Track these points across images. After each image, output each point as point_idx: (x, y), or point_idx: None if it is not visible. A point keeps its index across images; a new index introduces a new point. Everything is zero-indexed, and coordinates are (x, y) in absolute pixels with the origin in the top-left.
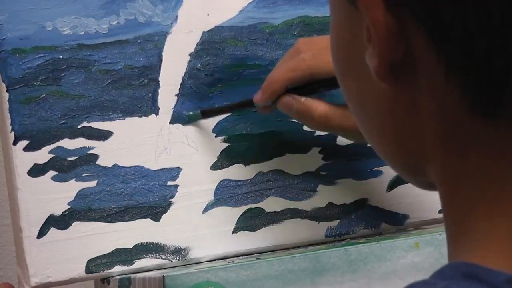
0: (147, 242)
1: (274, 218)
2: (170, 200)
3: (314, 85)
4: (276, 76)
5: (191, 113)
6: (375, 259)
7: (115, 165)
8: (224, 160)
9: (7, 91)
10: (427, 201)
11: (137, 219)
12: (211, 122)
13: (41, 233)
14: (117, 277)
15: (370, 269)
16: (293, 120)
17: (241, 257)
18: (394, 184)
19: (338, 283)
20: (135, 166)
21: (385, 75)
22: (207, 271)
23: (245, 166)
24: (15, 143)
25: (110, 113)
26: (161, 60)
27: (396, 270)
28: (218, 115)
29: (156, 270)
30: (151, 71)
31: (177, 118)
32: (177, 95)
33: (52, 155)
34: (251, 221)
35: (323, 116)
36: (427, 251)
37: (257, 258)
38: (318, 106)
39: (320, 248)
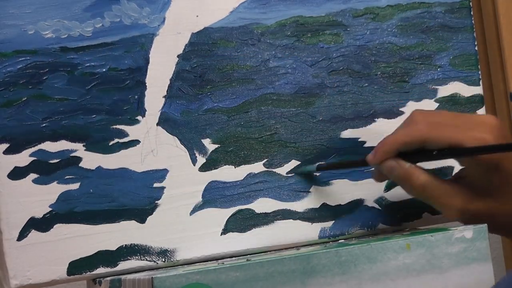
0: (131, 244)
1: (265, 219)
2: (156, 202)
3: (426, 152)
4: (389, 139)
5: (307, 167)
6: (366, 261)
7: (99, 168)
8: (213, 161)
9: None
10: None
11: (121, 221)
12: (199, 124)
13: (22, 235)
14: (108, 279)
15: (361, 270)
16: (286, 121)
17: (230, 258)
18: (392, 184)
19: (328, 285)
20: (120, 168)
21: None
22: (196, 273)
23: (235, 167)
24: None
25: (94, 116)
26: (147, 62)
27: (387, 272)
28: (332, 169)
29: (146, 271)
30: (138, 73)
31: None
32: (164, 97)
33: (33, 158)
34: (241, 222)
35: (421, 186)
36: (419, 253)
37: (247, 260)
38: (419, 175)
39: (311, 249)
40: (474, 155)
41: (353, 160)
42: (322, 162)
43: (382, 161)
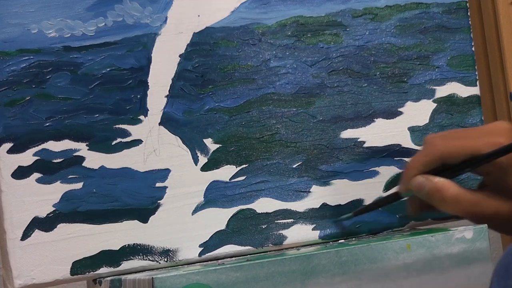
0: (134, 244)
1: (266, 219)
2: (159, 201)
3: (448, 168)
4: (410, 163)
5: (343, 216)
6: (366, 261)
7: (102, 167)
8: (215, 161)
9: None
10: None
11: (124, 220)
12: (201, 123)
13: (25, 235)
14: (108, 279)
15: (361, 271)
16: (287, 121)
17: (231, 258)
18: (390, 184)
19: (328, 285)
20: (123, 167)
21: None
22: (196, 273)
23: (236, 167)
24: None
25: (97, 115)
26: (150, 62)
27: (387, 272)
28: (368, 211)
29: (146, 272)
30: (140, 73)
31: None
32: (166, 96)
33: (37, 157)
34: (242, 222)
35: (454, 198)
36: (419, 253)
37: (247, 260)
38: (449, 187)
39: (311, 249)
40: (493, 160)
41: (385, 197)
42: (357, 210)
43: (410, 182)
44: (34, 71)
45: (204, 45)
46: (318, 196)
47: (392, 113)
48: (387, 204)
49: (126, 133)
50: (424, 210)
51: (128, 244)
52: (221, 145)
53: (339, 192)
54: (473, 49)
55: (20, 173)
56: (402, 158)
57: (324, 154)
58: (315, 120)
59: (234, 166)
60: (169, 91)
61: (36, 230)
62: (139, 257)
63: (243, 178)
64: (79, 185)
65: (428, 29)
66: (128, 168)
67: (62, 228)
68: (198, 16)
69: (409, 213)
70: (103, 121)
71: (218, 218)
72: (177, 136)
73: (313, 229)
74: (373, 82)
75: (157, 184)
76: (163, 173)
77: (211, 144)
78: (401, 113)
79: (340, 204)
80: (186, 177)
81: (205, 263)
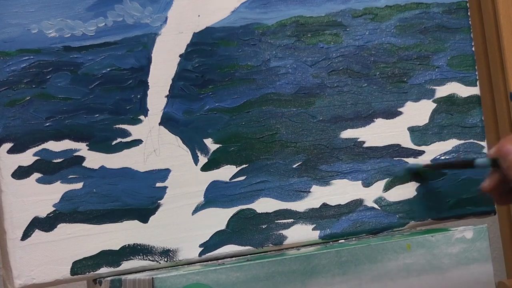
0: (134, 244)
1: (266, 219)
2: (159, 201)
3: None
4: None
5: (414, 164)
6: (366, 261)
7: (102, 167)
8: (215, 161)
9: None
10: (424, 202)
11: (124, 220)
12: (201, 123)
13: (25, 235)
14: (108, 279)
15: (361, 271)
16: (287, 121)
17: (231, 258)
18: (390, 184)
19: (329, 285)
20: (123, 167)
21: None
22: (196, 273)
23: (236, 167)
24: None
25: (97, 115)
26: (150, 62)
27: (387, 272)
28: (437, 169)
29: (146, 272)
30: (140, 73)
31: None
32: (166, 96)
33: (37, 157)
34: (242, 222)
35: None
36: (419, 253)
37: (248, 260)
38: None
39: (311, 249)
40: None
41: (461, 160)
42: (428, 164)
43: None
44: (34, 71)
45: (204, 45)
46: (318, 196)
47: (392, 113)
48: (459, 168)
49: (126, 133)
50: (498, 188)
51: (128, 244)
52: (221, 145)
53: (339, 192)
54: (473, 49)
55: (20, 173)
56: (402, 158)
57: (324, 154)
58: (315, 120)
59: (234, 166)
60: (169, 91)
61: (36, 230)
62: (139, 257)
63: (243, 178)
64: (79, 185)
65: (428, 29)
66: (128, 168)
67: (62, 228)
68: (198, 16)
69: (485, 187)
70: (103, 121)
71: (218, 218)
72: (177, 136)
73: (313, 229)
74: (373, 82)
75: (157, 184)
76: (163, 173)
77: (211, 144)
78: (401, 113)
79: (340, 204)
80: (186, 177)
81: (205, 263)
